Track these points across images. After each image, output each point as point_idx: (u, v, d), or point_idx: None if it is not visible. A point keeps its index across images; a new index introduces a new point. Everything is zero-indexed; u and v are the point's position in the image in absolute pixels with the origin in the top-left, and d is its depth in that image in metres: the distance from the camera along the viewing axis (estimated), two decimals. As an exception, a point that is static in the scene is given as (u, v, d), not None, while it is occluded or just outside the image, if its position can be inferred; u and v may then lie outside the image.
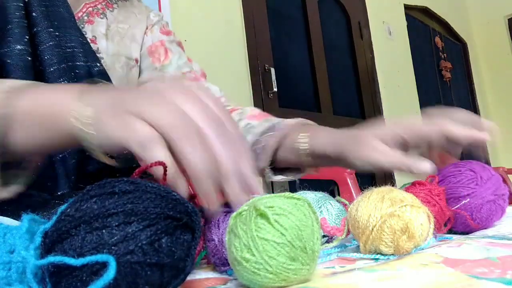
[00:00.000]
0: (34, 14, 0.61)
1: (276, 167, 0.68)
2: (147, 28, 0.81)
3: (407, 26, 3.41)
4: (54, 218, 0.27)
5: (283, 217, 0.30)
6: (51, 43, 0.61)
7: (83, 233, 0.25)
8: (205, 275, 0.36)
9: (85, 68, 0.64)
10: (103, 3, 0.76)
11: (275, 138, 0.63)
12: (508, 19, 4.32)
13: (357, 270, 0.33)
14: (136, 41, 0.78)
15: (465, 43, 4.37)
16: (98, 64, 0.66)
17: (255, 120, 0.71)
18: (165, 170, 0.37)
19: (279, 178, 0.68)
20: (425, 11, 3.77)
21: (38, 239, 0.26)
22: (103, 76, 0.66)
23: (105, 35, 0.73)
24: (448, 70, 3.87)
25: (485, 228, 0.51)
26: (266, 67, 2.09)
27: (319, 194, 0.52)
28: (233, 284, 0.33)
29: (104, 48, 0.72)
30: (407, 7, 3.44)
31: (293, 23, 2.42)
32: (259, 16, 2.15)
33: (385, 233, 0.40)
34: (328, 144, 0.58)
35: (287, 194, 0.32)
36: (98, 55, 0.70)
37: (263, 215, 0.30)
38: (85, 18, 0.72)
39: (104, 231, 0.25)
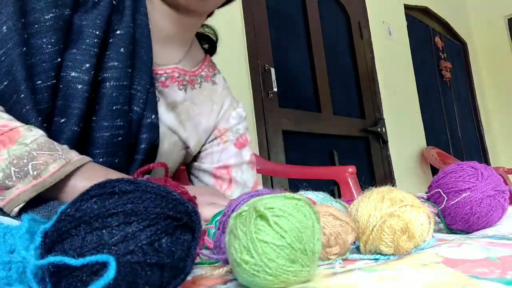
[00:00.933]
0: (110, 40, 0.58)
1: None
2: (217, 129, 0.76)
3: (407, 26, 3.41)
4: (54, 218, 0.27)
5: (283, 218, 0.30)
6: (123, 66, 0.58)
7: (83, 233, 0.25)
8: (205, 275, 0.36)
9: (139, 116, 0.61)
10: (191, 77, 0.72)
11: None
12: (508, 19, 4.32)
13: (357, 270, 0.33)
14: (196, 131, 0.73)
15: (465, 43, 4.37)
16: (153, 116, 0.62)
17: None
18: (167, 171, 0.37)
19: None
20: (425, 11, 3.77)
21: (38, 239, 0.26)
22: (153, 129, 0.63)
23: (169, 107, 0.68)
24: (448, 70, 3.87)
25: (485, 225, 0.51)
26: (266, 67, 2.09)
27: (320, 195, 0.52)
28: (233, 284, 0.33)
29: (160, 115, 0.66)
30: (407, 7, 3.44)
31: (293, 23, 2.42)
32: (259, 16, 2.15)
33: (385, 233, 0.40)
34: None
35: (288, 194, 0.32)
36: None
37: (262, 217, 0.30)
38: (162, 78, 0.67)
39: (104, 231, 0.25)
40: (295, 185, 2.03)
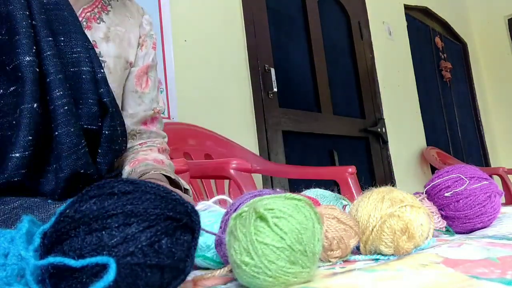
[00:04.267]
0: (33, 22, 0.61)
1: None
2: (140, 37, 0.83)
3: (407, 26, 3.41)
4: (53, 219, 0.26)
5: (283, 220, 0.30)
6: (48, 53, 0.61)
7: (82, 234, 0.25)
8: (206, 275, 0.36)
9: (91, 74, 0.66)
10: (98, 6, 0.77)
11: None
12: (508, 19, 4.32)
13: (357, 270, 0.33)
14: (131, 46, 0.80)
15: (465, 43, 4.36)
16: (102, 71, 0.68)
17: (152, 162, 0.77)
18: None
19: None
20: (425, 11, 3.76)
21: (37, 240, 0.26)
22: (105, 82, 0.69)
23: (104, 39, 0.75)
24: (448, 70, 3.86)
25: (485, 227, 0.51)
26: (266, 67, 2.09)
27: (332, 193, 0.52)
28: (233, 285, 0.33)
29: (106, 51, 0.74)
30: (407, 7, 3.44)
31: (293, 23, 2.42)
32: (259, 16, 2.15)
33: (385, 233, 0.40)
34: None
35: (288, 195, 0.32)
36: (100, 58, 0.71)
37: (262, 218, 0.30)
38: (84, 24, 0.73)
39: (103, 232, 0.24)
40: (295, 185, 2.03)
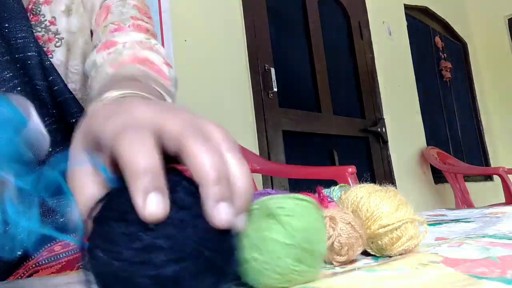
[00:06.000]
0: None
1: None
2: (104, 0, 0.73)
3: (407, 26, 3.41)
4: (112, 190, 0.24)
5: (293, 218, 0.30)
6: None
7: (117, 232, 0.22)
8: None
9: (37, 59, 0.62)
10: None
11: None
12: (508, 19, 4.32)
13: (357, 270, 0.33)
14: (95, 12, 0.71)
15: (465, 43, 4.36)
16: (48, 59, 0.64)
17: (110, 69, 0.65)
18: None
19: None
20: (425, 11, 3.76)
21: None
22: (54, 70, 0.64)
23: (65, 12, 0.69)
24: (448, 70, 3.86)
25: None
26: (266, 67, 2.09)
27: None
28: (233, 284, 0.33)
29: (65, 26, 0.68)
30: (407, 7, 3.44)
31: (293, 23, 2.42)
32: (259, 16, 2.15)
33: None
34: None
35: (297, 195, 0.32)
36: (57, 36, 0.67)
37: (273, 216, 0.30)
38: (41, 1, 0.68)
39: (137, 241, 0.22)
40: (295, 185, 2.03)
